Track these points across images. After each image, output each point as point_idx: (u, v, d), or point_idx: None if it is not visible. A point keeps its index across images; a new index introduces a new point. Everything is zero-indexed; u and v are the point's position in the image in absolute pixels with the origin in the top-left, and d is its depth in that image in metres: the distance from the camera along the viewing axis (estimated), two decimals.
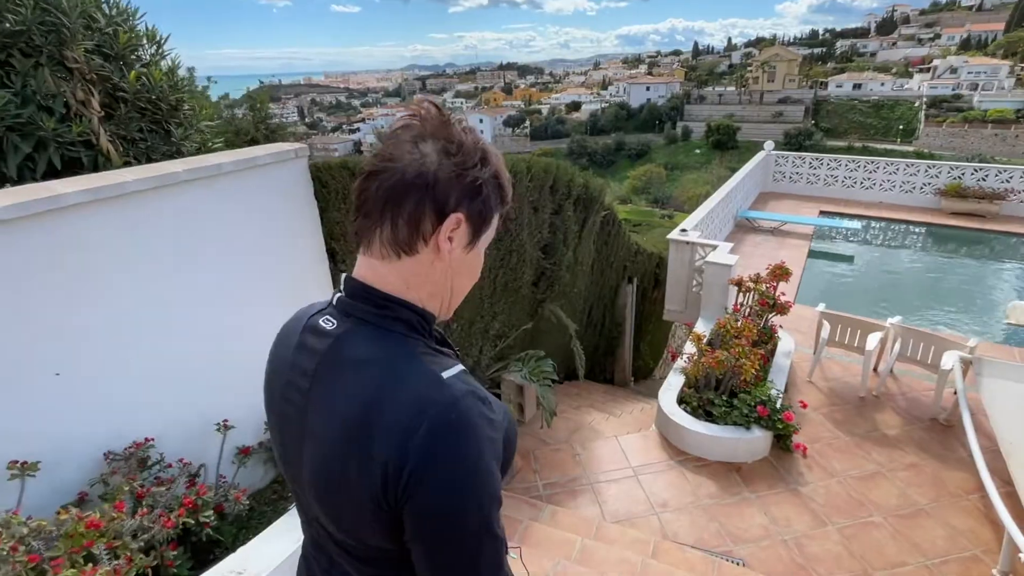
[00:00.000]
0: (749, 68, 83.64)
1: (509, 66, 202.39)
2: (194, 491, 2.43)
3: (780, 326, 5.20)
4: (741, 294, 5.26)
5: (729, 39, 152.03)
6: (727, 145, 60.99)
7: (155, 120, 3.38)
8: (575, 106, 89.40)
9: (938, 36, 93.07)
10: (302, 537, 0.87)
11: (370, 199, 0.68)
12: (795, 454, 4.06)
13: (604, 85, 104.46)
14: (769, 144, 11.54)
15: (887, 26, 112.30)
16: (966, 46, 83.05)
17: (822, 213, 10.31)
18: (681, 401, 4.38)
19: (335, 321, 0.72)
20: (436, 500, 0.61)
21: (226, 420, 2.90)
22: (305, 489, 0.72)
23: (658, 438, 4.34)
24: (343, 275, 0.74)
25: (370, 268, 0.71)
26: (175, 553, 2.23)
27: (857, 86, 68.83)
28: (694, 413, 4.21)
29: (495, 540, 0.66)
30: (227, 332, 2.88)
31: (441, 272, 0.72)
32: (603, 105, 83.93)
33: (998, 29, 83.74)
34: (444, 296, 0.75)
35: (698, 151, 63.89)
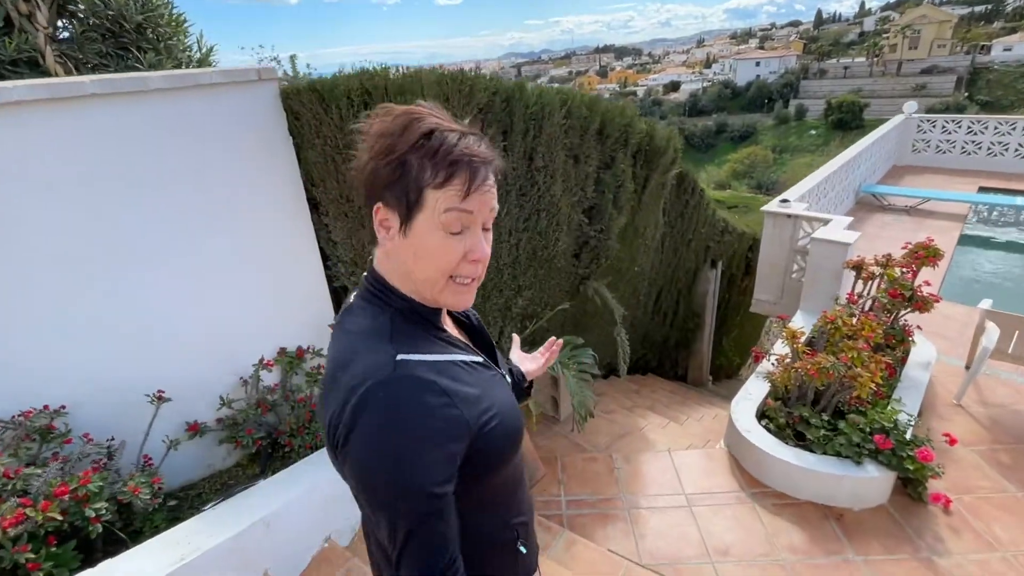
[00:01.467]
0: (885, 35, 73.48)
1: (605, 48, 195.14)
2: (76, 477, 1.91)
3: (917, 327, 3.87)
4: (861, 282, 3.99)
5: (862, 3, 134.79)
6: (850, 125, 54.02)
7: (122, 45, 2.92)
8: (674, 86, 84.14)
9: None
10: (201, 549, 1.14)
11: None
12: (931, 508, 2.86)
13: (708, 63, 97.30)
14: (911, 105, 9.47)
15: None
16: None
17: (982, 189, 8.22)
18: (763, 416, 3.31)
19: (353, 296, 0.82)
20: (354, 462, 0.69)
21: (161, 391, 2.40)
22: None
23: (727, 460, 3.31)
24: None
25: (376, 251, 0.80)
26: (34, 555, 1.74)
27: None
28: (779, 433, 3.13)
29: (410, 519, 0.68)
30: (173, 291, 2.37)
31: (395, 258, 0.76)
32: (705, 84, 78.26)
33: None
34: (410, 281, 0.77)
35: (814, 132, 57.69)
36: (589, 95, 3.13)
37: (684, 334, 7.29)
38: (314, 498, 2.23)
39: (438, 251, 0.71)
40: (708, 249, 6.54)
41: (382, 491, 0.68)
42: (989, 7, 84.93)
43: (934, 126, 9.60)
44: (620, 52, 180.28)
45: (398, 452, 0.66)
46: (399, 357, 0.70)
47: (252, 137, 2.43)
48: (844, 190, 7.30)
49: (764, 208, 5.19)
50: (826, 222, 4.59)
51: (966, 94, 52.38)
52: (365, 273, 0.81)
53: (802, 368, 3.04)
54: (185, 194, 2.29)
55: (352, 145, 0.90)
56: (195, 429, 2.53)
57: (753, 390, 3.46)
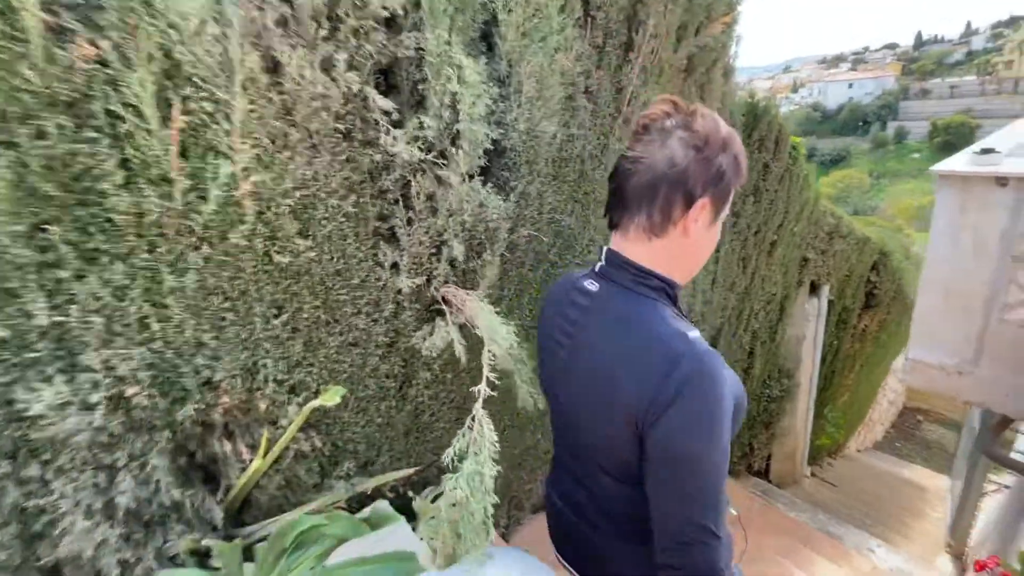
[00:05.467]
0: (999, 52, 66.45)
1: None
2: None
3: None
4: None
5: (968, 23, 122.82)
6: (959, 148, 48.10)
7: None
8: None
9: None
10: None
11: (627, 193, 0.79)
12: None
13: (794, 88, 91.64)
14: None
15: None
16: None
17: None
18: None
19: (597, 284, 0.86)
20: (680, 432, 0.74)
21: None
22: (565, 409, 0.93)
23: None
24: (604, 248, 0.86)
25: (624, 245, 0.83)
26: None
27: None
28: None
29: (717, 482, 0.76)
30: None
31: (685, 248, 0.83)
32: (791, 108, 73.17)
33: None
34: (687, 267, 0.87)
35: (916, 155, 52.39)
36: None
37: (764, 405, 4.46)
38: None
39: (713, 242, 0.87)
40: (806, 264, 3.79)
41: (704, 456, 0.74)
42: None
43: None
44: None
45: (717, 425, 0.74)
46: (690, 334, 0.77)
47: None
48: None
49: (939, 168, 2.46)
50: None
51: None
52: (606, 261, 0.86)
53: None
54: None
55: None
56: None
57: None
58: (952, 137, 49.27)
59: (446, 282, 1.16)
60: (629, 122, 1.48)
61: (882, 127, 59.10)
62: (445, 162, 1.06)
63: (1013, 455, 2.79)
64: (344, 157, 1.02)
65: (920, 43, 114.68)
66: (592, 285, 0.86)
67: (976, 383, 2.53)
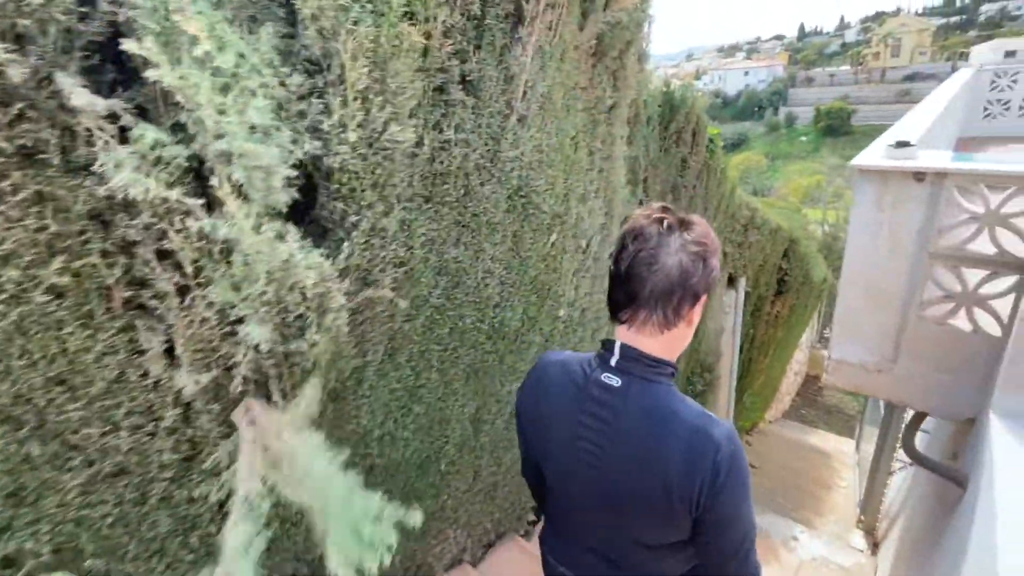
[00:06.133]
0: (867, 44, 74.03)
1: None
2: None
3: None
4: None
5: (841, 17, 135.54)
6: (840, 131, 53.67)
7: None
8: None
9: None
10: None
11: (642, 296, 0.90)
12: None
13: (697, 75, 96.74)
14: (983, 53, 6.76)
15: None
16: None
17: None
18: None
19: (618, 379, 0.94)
20: (731, 504, 0.89)
21: None
22: (588, 496, 1.00)
23: None
24: (616, 342, 0.95)
25: (637, 339, 0.94)
26: None
27: (1011, 53, 56.68)
28: None
29: (755, 532, 0.96)
30: None
31: (686, 334, 0.98)
32: (696, 95, 77.23)
33: None
34: (683, 348, 1.01)
35: (804, 138, 57.35)
36: None
37: None
38: None
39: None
40: (724, 257, 3.69)
41: (748, 515, 0.92)
42: (963, 17, 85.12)
43: (1015, 83, 6.91)
44: None
45: (751, 486, 0.91)
46: (707, 411, 0.92)
47: None
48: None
49: (857, 162, 2.34)
50: None
51: None
52: (622, 356, 0.94)
53: None
54: None
55: None
56: None
57: None
58: (834, 121, 54.25)
59: (243, 392, 0.75)
60: (525, 121, 1.14)
61: (775, 112, 63.72)
62: (204, 199, 0.65)
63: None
64: (27, 195, 0.59)
65: (803, 34, 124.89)
66: (611, 380, 0.95)
67: (895, 381, 2.49)
